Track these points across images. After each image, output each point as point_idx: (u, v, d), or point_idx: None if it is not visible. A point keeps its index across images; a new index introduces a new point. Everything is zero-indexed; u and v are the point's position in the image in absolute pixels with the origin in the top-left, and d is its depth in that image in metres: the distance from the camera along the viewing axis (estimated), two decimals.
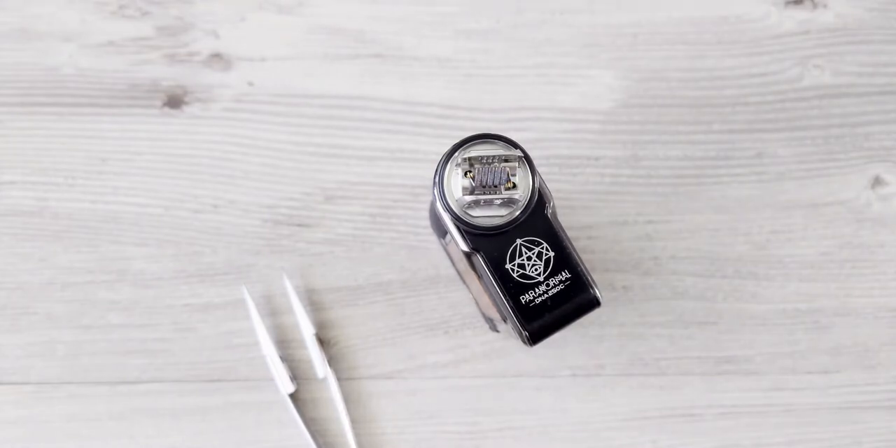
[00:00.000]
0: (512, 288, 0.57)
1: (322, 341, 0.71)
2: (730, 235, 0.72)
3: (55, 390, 0.71)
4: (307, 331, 0.70)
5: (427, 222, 0.71)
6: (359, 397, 0.71)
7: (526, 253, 0.57)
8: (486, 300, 0.61)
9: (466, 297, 0.71)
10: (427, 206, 0.71)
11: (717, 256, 0.71)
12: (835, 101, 0.72)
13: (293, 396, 0.70)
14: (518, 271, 0.57)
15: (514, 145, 0.56)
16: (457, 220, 0.56)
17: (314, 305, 0.71)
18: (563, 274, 0.57)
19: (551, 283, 0.57)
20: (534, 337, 0.57)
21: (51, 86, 0.72)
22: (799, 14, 0.73)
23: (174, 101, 0.72)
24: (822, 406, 0.71)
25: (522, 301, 0.57)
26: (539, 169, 0.58)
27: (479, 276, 0.58)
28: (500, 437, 0.71)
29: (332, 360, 0.71)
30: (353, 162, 0.72)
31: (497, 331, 0.69)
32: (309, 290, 0.71)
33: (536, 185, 0.56)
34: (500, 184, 0.56)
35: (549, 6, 0.72)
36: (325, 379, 0.70)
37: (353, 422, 0.70)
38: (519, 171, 0.56)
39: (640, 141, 0.72)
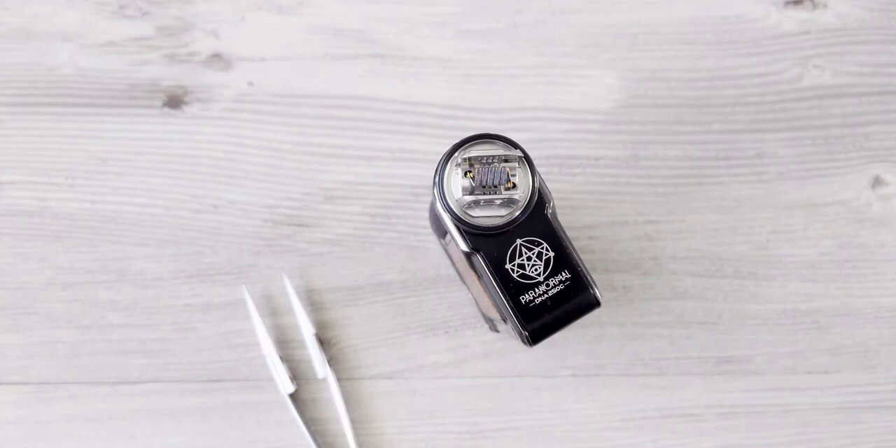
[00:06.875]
0: (512, 288, 0.57)
1: (322, 341, 0.71)
2: (730, 235, 0.72)
3: (55, 390, 0.71)
4: (307, 331, 0.70)
5: (427, 222, 0.71)
6: (359, 397, 0.71)
7: (526, 253, 0.57)
8: (486, 300, 0.61)
9: (466, 297, 0.71)
10: (427, 206, 0.71)
11: (717, 256, 0.71)
12: (835, 101, 0.72)
13: (293, 396, 0.70)
14: (518, 271, 0.57)
15: (514, 145, 0.56)
16: (457, 220, 0.56)
17: (314, 305, 0.71)
18: (563, 274, 0.57)
19: (551, 283, 0.57)
20: (534, 337, 0.57)
21: (51, 86, 0.72)
22: (799, 14, 0.73)
23: (174, 101, 0.72)
24: (822, 406, 0.71)
25: (522, 301, 0.57)
26: (539, 169, 0.58)
27: (479, 276, 0.58)
28: (500, 437, 0.71)
29: (332, 360, 0.71)
30: (353, 162, 0.72)
31: (497, 331, 0.69)
32: (309, 290, 0.71)
33: (536, 185, 0.56)
34: (500, 184, 0.56)
35: (549, 6, 0.72)
36: (325, 379, 0.70)
37: (353, 422, 0.70)
38: (519, 171, 0.56)
39: (640, 141, 0.72)
